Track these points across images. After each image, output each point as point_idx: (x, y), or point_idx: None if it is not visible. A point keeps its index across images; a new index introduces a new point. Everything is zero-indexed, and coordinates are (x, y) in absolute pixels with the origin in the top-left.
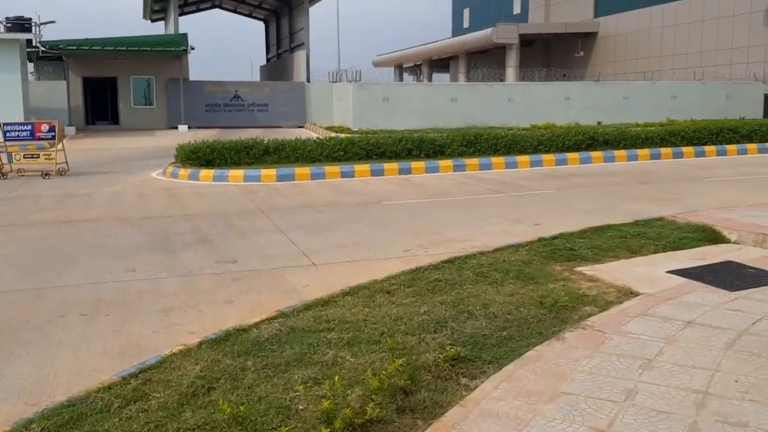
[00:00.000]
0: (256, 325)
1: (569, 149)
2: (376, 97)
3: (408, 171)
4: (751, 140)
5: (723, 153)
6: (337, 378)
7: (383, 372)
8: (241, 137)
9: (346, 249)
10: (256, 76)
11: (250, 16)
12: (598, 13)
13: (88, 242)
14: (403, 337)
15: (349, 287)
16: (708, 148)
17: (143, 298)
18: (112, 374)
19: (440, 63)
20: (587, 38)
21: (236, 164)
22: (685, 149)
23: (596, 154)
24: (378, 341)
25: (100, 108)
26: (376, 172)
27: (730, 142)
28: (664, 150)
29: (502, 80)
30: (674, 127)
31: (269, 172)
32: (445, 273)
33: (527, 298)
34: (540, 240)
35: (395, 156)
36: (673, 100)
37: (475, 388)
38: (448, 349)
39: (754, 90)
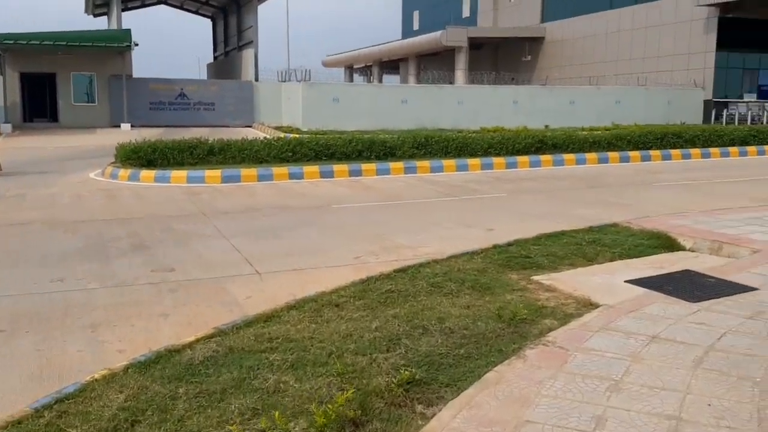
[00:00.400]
0: (191, 345)
1: (519, 152)
2: (326, 97)
3: (358, 173)
4: (694, 145)
5: (668, 158)
6: (277, 414)
7: (329, 406)
8: (185, 137)
9: (293, 256)
10: (203, 75)
11: (197, 12)
12: (544, 18)
13: (14, 249)
14: (352, 358)
15: (295, 300)
16: (653, 153)
17: (70, 312)
18: (26, 404)
19: (390, 64)
20: (534, 43)
21: (179, 165)
22: (632, 153)
23: (545, 157)
24: (325, 363)
25: (39, 105)
26: (325, 174)
27: (674, 147)
28: (611, 154)
29: (451, 83)
30: (621, 132)
31: (214, 173)
32: (397, 283)
33: (484, 311)
34: (495, 247)
35: (345, 157)
36: (618, 104)
37: (431, 417)
38: (402, 371)
39: (694, 96)
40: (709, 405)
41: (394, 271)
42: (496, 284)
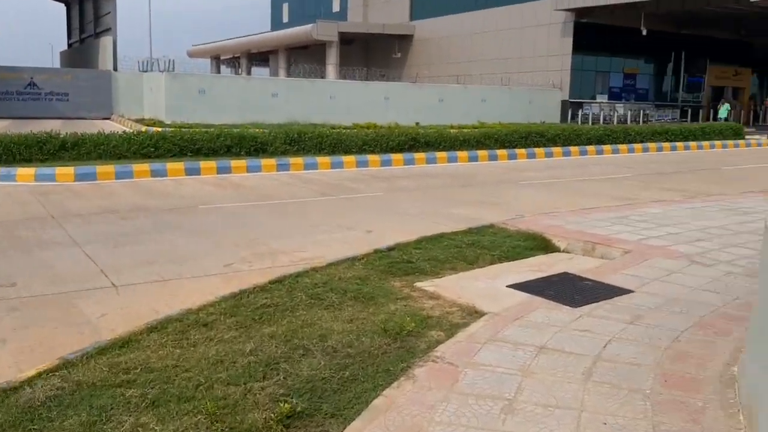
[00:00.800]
0: (30, 380)
1: (393, 150)
2: (191, 88)
3: (227, 170)
4: (555, 144)
5: (532, 156)
6: None
7: None
8: (35, 130)
9: (156, 265)
10: (57, 63)
11: None
12: (413, 16)
13: None
14: (224, 389)
15: (157, 320)
16: (519, 151)
17: None
18: None
19: (260, 57)
20: (404, 40)
21: (27, 161)
22: (499, 152)
23: (419, 155)
24: (192, 397)
25: None
26: (191, 172)
27: (537, 145)
28: (480, 152)
29: (323, 77)
30: (489, 130)
31: (66, 171)
32: (274, 296)
33: (369, 325)
34: (376, 252)
35: (213, 153)
36: (483, 103)
37: None
38: (281, 403)
39: (552, 96)
40: (605, 424)
41: (270, 282)
42: (379, 293)
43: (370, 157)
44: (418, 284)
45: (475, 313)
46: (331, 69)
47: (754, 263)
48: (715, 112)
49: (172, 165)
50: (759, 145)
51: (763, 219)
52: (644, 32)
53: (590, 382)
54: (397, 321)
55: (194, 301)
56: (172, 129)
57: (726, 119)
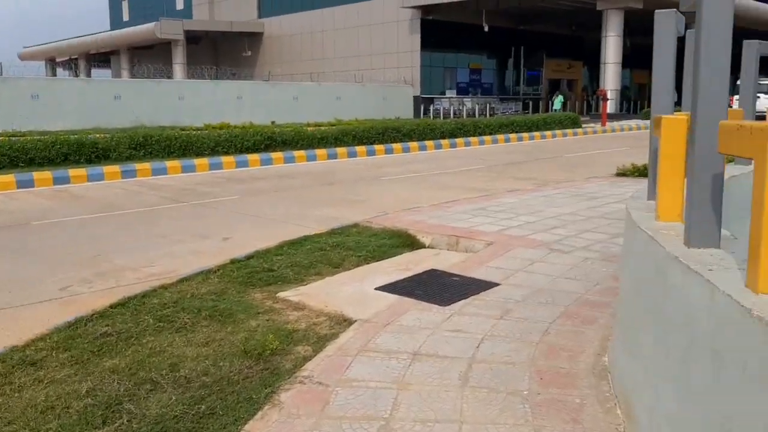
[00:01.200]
0: None
1: (248, 150)
2: (22, 93)
3: (65, 180)
4: (411, 138)
5: (390, 151)
6: None
7: None
8: None
9: None
10: None
11: None
12: (262, 13)
13: None
14: None
15: None
16: (377, 147)
17: None
18: None
19: (100, 57)
20: (254, 38)
21: None
22: (358, 148)
23: (276, 155)
24: None
25: None
26: (23, 184)
27: (394, 141)
28: (339, 149)
29: (170, 77)
30: (346, 127)
31: None
32: (116, 322)
33: (227, 346)
34: (233, 262)
35: (48, 162)
36: (338, 100)
37: None
38: None
39: (405, 92)
40: None
41: (111, 305)
42: (238, 309)
43: (224, 159)
44: (281, 294)
45: (344, 322)
46: (178, 69)
47: (608, 247)
48: (552, 104)
49: (1, 178)
50: (594, 132)
51: (608, 203)
52: (486, 29)
53: (467, 388)
54: (259, 339)
55: (22, 336)
56: (1, 138)
57: (560, 110)
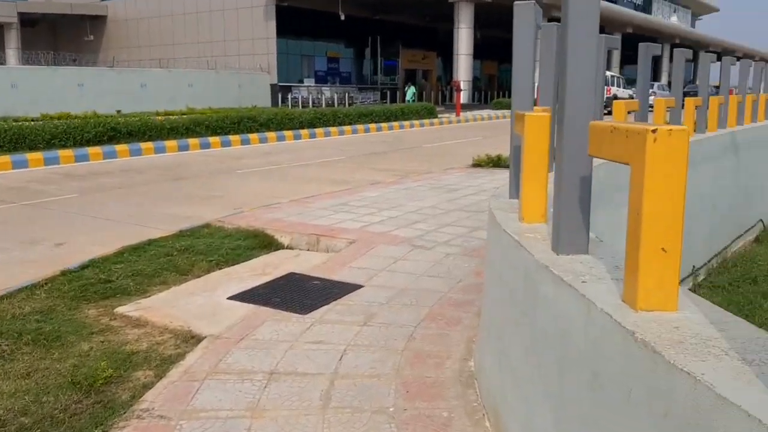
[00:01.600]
0: None
1: (90, 143)
2: None
3: None
4: (269, 128)
5: (247, 142)
6: None
7: None
8: None
9: None
10: None
11: None
12: None
13: None
14: None
15: None
16: (233, 138)
17: None
18: None
19: None
20: (96, 21)
21: None
22: (212, 139)
23: (121, 147)
24: None
25: None
26: None
27: (251, 131)
28: (191, 141)
29: (2, 63)
30: (198, 117)
31: None
32: None
33: (53, 377)
34: (64, 273)
35: None
36: (191, 88)
37: None
38: None
39: (262, 80)
40: None
41: None
42: (68, 329)
43: (61, 153)
44: (120, 309)
45: (191, 339)
46: (11, 54)
47: (468, 241)
48: (405, 95)
49: None
50: (450, 122)
51: (466, 195)
52: (342, 17)
53: (329, 410)
54: (92, 365)
55: None
56: None
57: (413, 101)
